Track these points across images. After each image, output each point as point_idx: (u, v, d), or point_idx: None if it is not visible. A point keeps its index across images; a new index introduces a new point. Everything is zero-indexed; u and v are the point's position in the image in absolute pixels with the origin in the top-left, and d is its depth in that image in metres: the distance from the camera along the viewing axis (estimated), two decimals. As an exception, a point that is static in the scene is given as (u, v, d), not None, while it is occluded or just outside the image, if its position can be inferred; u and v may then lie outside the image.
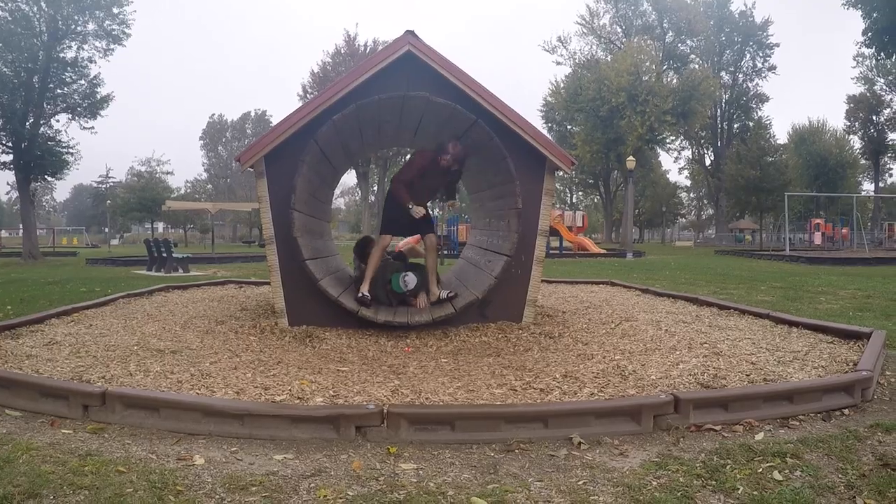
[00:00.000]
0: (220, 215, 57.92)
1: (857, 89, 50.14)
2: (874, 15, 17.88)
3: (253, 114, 79.62)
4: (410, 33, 5.30)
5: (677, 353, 4.29)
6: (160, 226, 60.66)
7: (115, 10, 22.37)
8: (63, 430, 2.95)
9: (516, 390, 3.52)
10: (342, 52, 41.47)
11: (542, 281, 6.83)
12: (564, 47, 45.62)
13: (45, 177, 24.75)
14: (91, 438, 2.86)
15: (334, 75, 36.64)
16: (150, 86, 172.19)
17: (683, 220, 75.98)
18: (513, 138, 5.40)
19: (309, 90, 41.07)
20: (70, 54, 22.55)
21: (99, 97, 23.53)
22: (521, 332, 5.26)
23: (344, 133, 5.56)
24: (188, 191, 64.77)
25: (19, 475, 2.37)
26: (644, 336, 4.90)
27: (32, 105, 21.95)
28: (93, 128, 24.15)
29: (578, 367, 4.03)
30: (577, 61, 44.19)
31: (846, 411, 3.31)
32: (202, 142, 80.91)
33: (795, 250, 26.79)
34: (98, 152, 49.55)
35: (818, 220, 38.15)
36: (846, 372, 3.74)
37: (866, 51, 24.62)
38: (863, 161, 53.19)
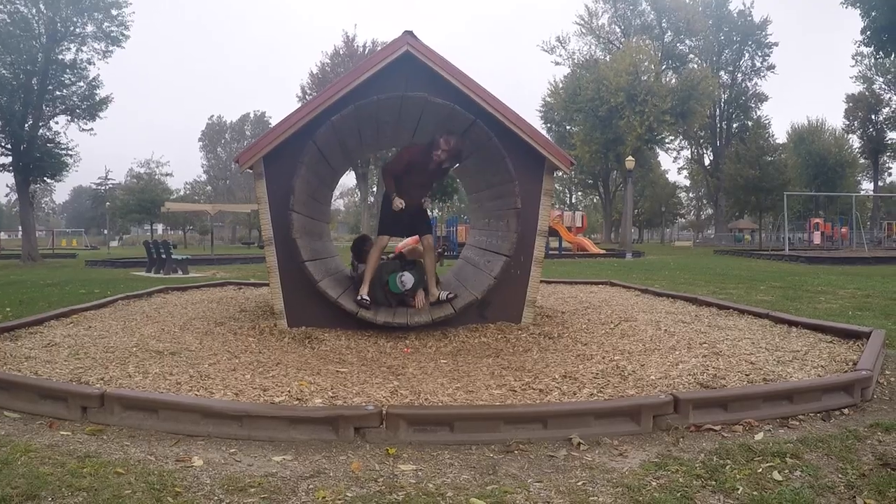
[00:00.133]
0: (220, 217, 57.85)
1: (856, 88, 50.23)
2: (873, 14, 17.89)
3: (252, 115, 79.76)
4: (409, 34, 5.30)
5: (677, 353, 4.29)
6: (159, 227, 60.63)
7: (114, 12, 22.40)
8: (62, 432, 2.94)
9: (515, 391, 3.52)
10: (341, 52, 41.51)
11: (542, 281, 6.84)
12: (563, 47, 45.73)
13: (45, 179, 24.80)
14: (90, 440, 2.85)
15: (333, 76, 36.66)
16: (149, 87, 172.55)
17: (683, 220, 76.04)
18: (511, 138, 5.39)
19: (308, 91, 41.09)
20: (69, 56, 22.61)
21: (98, 99, 23.56)
22: (520, 332, 5.26)
23: (342, 134, 5.55)
24: (187, 192, 64.75)
25: (18, 477, 2.36)
26: (643, 336, 4.90)
27: (31, 107, 21.96)
28: (92, 129, 24.22)
29: (578, 367, 4.03)
30: (575, 61, 44.29)
31: (846, 411, 3.31)
32: (201, 143, 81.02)
33: (795, 250, 26.81)
34: (97, 154, 49.65)
35: (817, 220, 38.22)
36: (846, 371, 3.73)
37: (865, 50, 24.62)
38: (862, 160, 53.25)
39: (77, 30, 22.25)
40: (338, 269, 6.37)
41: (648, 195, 60.25)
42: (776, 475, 2.47)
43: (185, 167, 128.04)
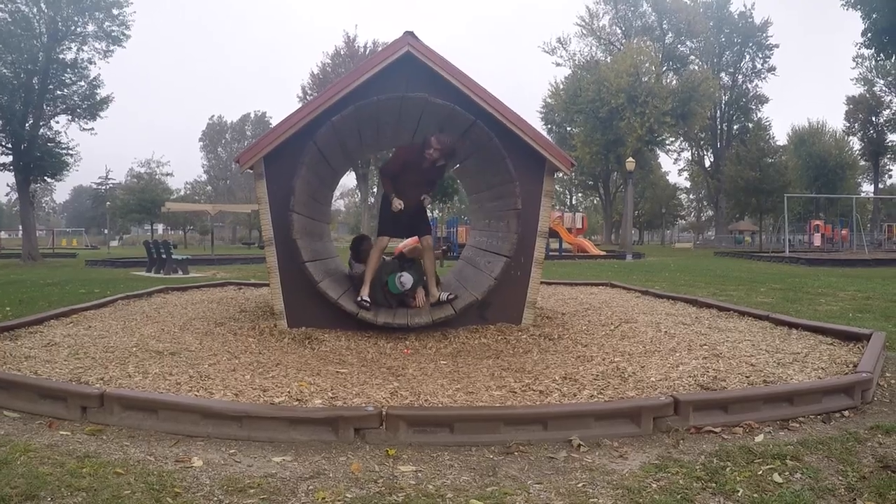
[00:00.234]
0: (220, 217, 57.88)
1: (857, 90, 50.24)
2: (874, 16, 17.86)
3: (252, 115, 79.80)
4: (410, 34, 5.30)
5: (677, 354, 4.29)
6: (160, 227, 60.62)
7: (115, 12, 22.40)
8: (61, 432, 2.94)
9: (515, 392, 3.52)
10: (342, 53, 41.49)
11: (542, 282, 6.83)
12: (564, 48, 45.69)
13: (45, 178, 24.78)
14: (89, 440, 2.85)
15: (334, 77, 36.63)
16: (149, 87, 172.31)
17: (683, 221, 75.97)
18: (512, 139, 5.39)
19: (308, 91, 41.06)
20: (70, 56, 22.59)
21: (98, 98, 23.54)
22: (520, 333, 5.25)
23: (343, 134, 5.55)
24: (188, 192, 64.72)
25: (17, 476, 2.36)
26: (644, 338, 4.90)
27: (32, 106, 21.96)
28: (92, 129, 24.20)
29: (578, 368, 4.03)
30: (576, 62, 44.26)
31: (846, 413, 3.31)
32: (202, 143, 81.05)
33: (795, 252, 26.81)
34: (98, 154, 49.63)
35: (818, 222, 38.14)
36: (846, 373, 3.73)
37: (866, 52, 24.63)
38: (862, 162, 53.21)
39: (78, 29, 22.25)
40: (338, 270, 6.37)
41: (649, 197, 60.22)
42: (776, 477, 2.46)
43: (185, 167, 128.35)
